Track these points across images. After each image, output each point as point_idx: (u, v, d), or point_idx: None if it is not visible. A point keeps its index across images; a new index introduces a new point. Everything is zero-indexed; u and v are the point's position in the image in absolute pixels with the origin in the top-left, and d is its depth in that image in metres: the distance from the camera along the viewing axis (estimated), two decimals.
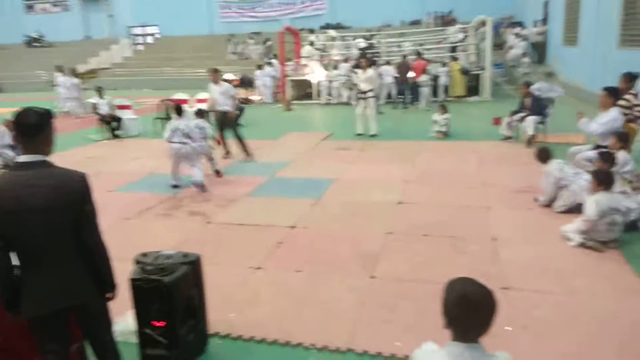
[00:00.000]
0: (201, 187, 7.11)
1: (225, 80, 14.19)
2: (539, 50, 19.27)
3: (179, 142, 7.12)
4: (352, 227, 5.56)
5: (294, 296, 4.05)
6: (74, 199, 2.30)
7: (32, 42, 34.06)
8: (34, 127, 2.27)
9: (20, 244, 2.27)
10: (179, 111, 7.45)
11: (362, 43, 19.45)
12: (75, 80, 16.76)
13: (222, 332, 3.56)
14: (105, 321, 2.59)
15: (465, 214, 5.83)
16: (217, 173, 7.94)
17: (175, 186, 7.35)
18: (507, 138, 9.64)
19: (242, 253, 4.96)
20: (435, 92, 16.07)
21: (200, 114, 8.03)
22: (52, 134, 2.35)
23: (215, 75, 8.90)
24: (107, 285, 2.49)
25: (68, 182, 2.30)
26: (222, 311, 3.80)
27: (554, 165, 5.80)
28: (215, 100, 8.86)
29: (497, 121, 10.58)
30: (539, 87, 10.33)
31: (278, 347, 3.40)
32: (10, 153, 8.94)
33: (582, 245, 4.73)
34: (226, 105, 8.76)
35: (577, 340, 3.34)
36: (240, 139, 8.91)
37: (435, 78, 15.73)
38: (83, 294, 2.40)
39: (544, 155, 5.95)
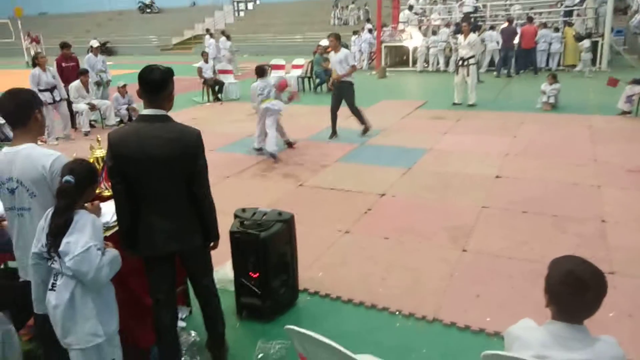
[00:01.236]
0: (273, 157, 7.00)
1: (320, 47, 14.29)
2: None
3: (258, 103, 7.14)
4: (444, 199, 5.41)
5: (381, 262, 4.07)
6: (189, 152, 2.46)
7: (145, 8, 36.38)
8: (157, 83, 2.44)
9: (138, 189, 2.48)
10: (261, 73, 7.30)
11: (469, 7, 18.30)
12: (229, 43, 18.19)
13: (310, 290, 3.69)
14: (207, 268, 2.78)
15: (571, 192, 5.42)
16: (290, 144, 7.71)
17: (258, 149, 7.41)
18: (625, 113, 8.73)
19: (331, 216, 5.05)
20: (547, 61, 14.95)
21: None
22: (172, 91, 2.52)
23: (335, 41, 7.98)
24: (211, 235, 2.66)
25: (185, 137, 2.46)
26: (311, 270, 3.93)
27: None
28: (334, 69, 8.11)
29: (613, 82, 9.46)
30: None
31: (364, 309, 3.46)
32: (123, 110, 9.78)
33: None
34: (348, 74, 7.94)
35: None
36: (356, 112, 8.20)
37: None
38: (191, 241, 2.58)
39: None
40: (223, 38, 18.68)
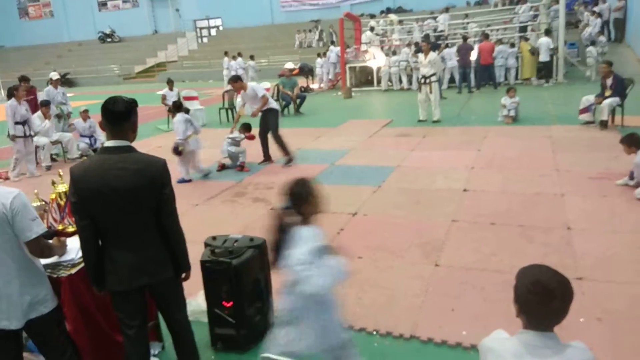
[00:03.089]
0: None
1: (286, 70, 14.46)
2: (617, 28, 17.92)
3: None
4: (414, 215, 5.48)
5: (356, 281, 4.04)
6: (155, 183, 2.42)
7: (105, 37, 36.02)
8: (121, 114, 2.41)
9: (104, 223, 2.42)
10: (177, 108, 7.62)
11: (443, 24, 18.89)
12: (252, 63, 18.27)
13: None
14: (179, 301, 2.72)
15: (536, 201, 5.57)
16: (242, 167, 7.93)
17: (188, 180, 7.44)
18: (588, 123, 9.05)
19: None
20: (505, 75, 15.49)
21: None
22: (136, 122, 2.49)
23: (237, 83, 7.75)
24: (182, 265, 2.60)
25: (150, 167, 2.43)
26: None
27: None
28: (251, 107, 7.93)
29: (583, 111, 9.23)
30: None
31: None
32: (83, 144, 9.61)
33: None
34: (262, 106, 7.74)
35: None
36: (279, 140, 7.86)
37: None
38: (161, 273, 2.52)
39: (635, 141, 5.60)
40: (240, 59, 18.73)
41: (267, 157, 8.17)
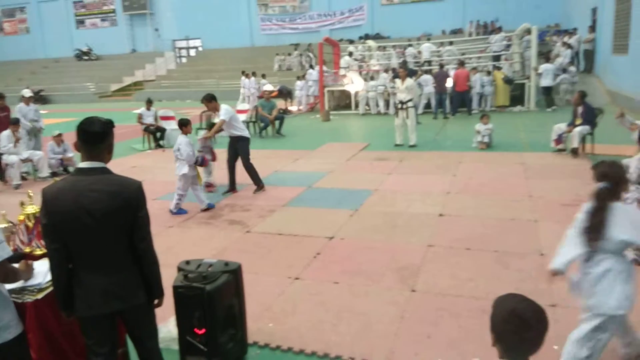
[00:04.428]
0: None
1: (265, 92, 14.54)
2: (587, 59, 18.62)
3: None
4: (391, 239, 5.48)
5: (332, 308, 4.01)
6: (130, 205, 2.36)
7: (82, 55, 35.64)
8: (98, 135, 2.36)
9: (76, 246, 2.34)
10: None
11: (426, 53, 19.37)
12: (264, 81, 18.96)
13: (260, 342, 3.56)
14: (151, 327, 2.63)
15: (510, 227, 5.64)
16: (209, 186, 7.79)
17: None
18: (561, 150, 9.28)
19: (280, 263, 4.97)
20: (480, 102, 15.87)
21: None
22: (112, 143, 2.45)
23: (210, 104, 7.39)
24: (155, 291, 2.53)
25: (125, 189, 2.37)
26: (261, 320, 3.81)
27: None
28: (227, 130, 7.48)
29: (558, 142, 9.42)
30: None
31: (317, 359, 3.37)
32: (54, 161, 9.41)
33: (636, 261, 4.48)
34: (234, 130, 7.45)
35: None
36: (250, 169, 7.59)
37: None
38: (133, 298, 2.45)
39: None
40: (253, 78, 19.33)
41: (232, 187, 7.73)
